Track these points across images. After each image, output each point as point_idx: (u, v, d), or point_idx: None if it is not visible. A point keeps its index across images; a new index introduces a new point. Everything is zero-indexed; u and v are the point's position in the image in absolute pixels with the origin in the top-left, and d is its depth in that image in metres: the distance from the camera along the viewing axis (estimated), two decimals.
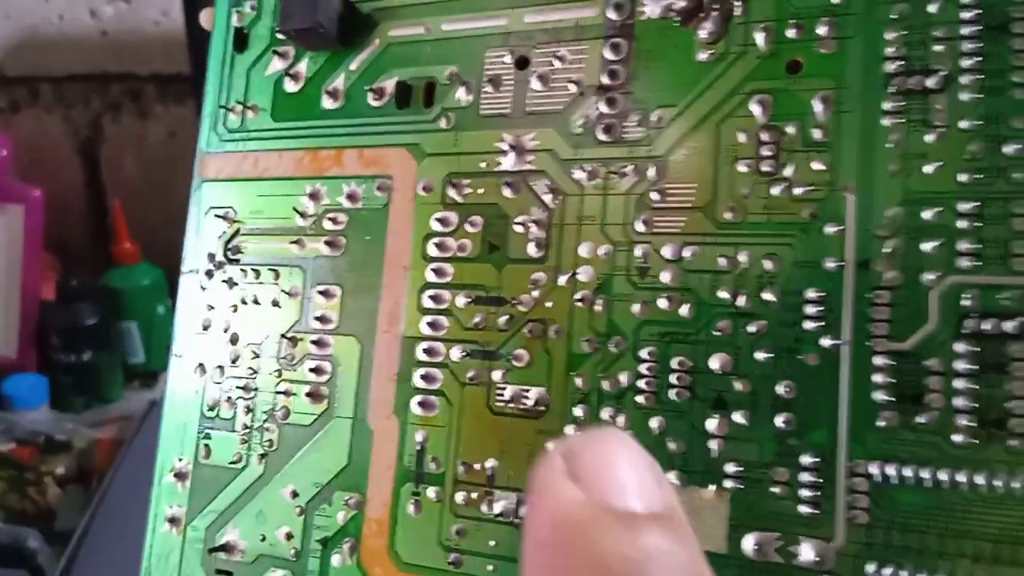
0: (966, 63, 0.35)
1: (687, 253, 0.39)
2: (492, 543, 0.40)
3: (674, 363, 0.38)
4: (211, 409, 0.47)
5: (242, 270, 0.48)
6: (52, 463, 1.28)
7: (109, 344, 1.46)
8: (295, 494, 0.44)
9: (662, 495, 0.21)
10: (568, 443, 0.22)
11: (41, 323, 1.45)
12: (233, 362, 0.47)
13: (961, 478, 0.33)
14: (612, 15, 0.42)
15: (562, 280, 0.41)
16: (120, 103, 1.62)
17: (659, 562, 0.18)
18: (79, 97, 1.62)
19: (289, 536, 0.44)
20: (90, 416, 1.42)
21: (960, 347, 0.34)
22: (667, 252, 0.39)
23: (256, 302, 0.47)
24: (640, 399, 0.38)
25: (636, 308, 0.39)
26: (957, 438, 0.33)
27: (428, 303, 0.43)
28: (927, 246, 0.35)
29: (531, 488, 0.21)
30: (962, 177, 0.35)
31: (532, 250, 0.41)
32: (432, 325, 0.43)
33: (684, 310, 0.38)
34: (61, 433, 1.33)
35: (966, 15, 0.36)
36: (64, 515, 1.20)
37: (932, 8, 0.36)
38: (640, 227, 0.40)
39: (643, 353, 0.39)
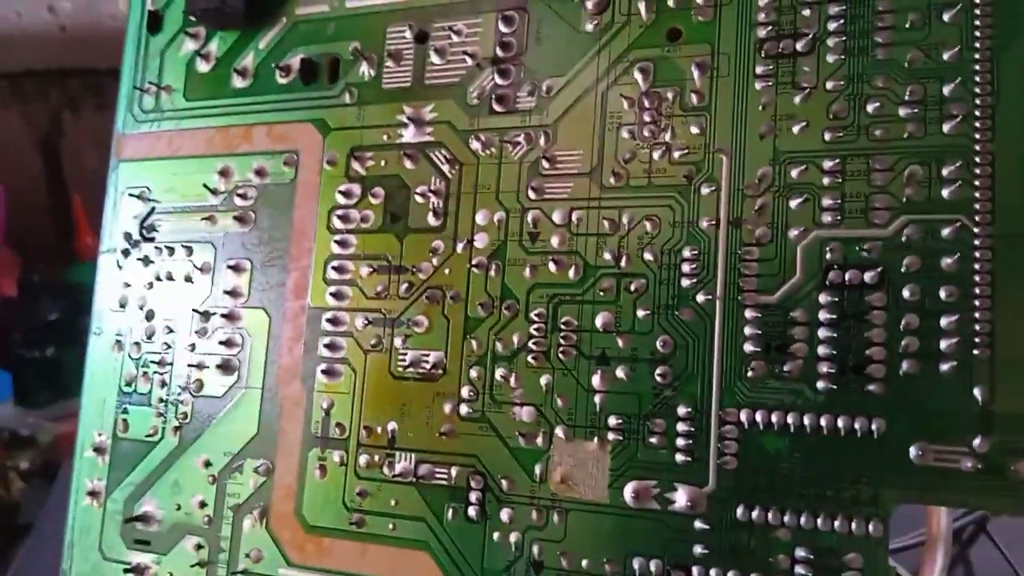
0: (832, 25, 0.37)
1: (575, 217, 0.40)
2: (393, 502, 0.41)
3: (562, 323, 0.39)
4: (128, 384, 0.48)
5: (157, 248, 0.49)
6: (16, 458, 1.28)
7: (72, 339, 1.47)
8: (208, 463, 0.45)
9: None
10: None
11: (4, 319, 1.45)
12: (149, 337, 0.48)
13: (823, 422, 0.34)
14: None
15: (459, 247, 0.42)
16: (80, 98, 1.62)
17: None
18: (38, 92, 1.62)
19: (203, 504, 0.45)
20: (54, 411, 1.42)
21: (823, 298, 0.35)
22: (556, 217, 0.40)
23: (170, 278, 0.48)
24: (530, 359, 0.40)
25: (527, 272, 0.40)
26: (820, 384, 0.34)
27: (332, 274, 0.45)
28: (793, 203, 0.36)
29: None
30: (827, 136, 0.36)
31: (431, 219, 0.43)
32: (336, 295, 0.44)
33: (571, 272, 0.39)
34: (25, 428, 1.33)
35: None
36: (28, 509, 1.20)
37: None
38: (531, 194, 0.41)
39: (534, 314, 0.40)
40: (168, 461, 0.46)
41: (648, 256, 0.38)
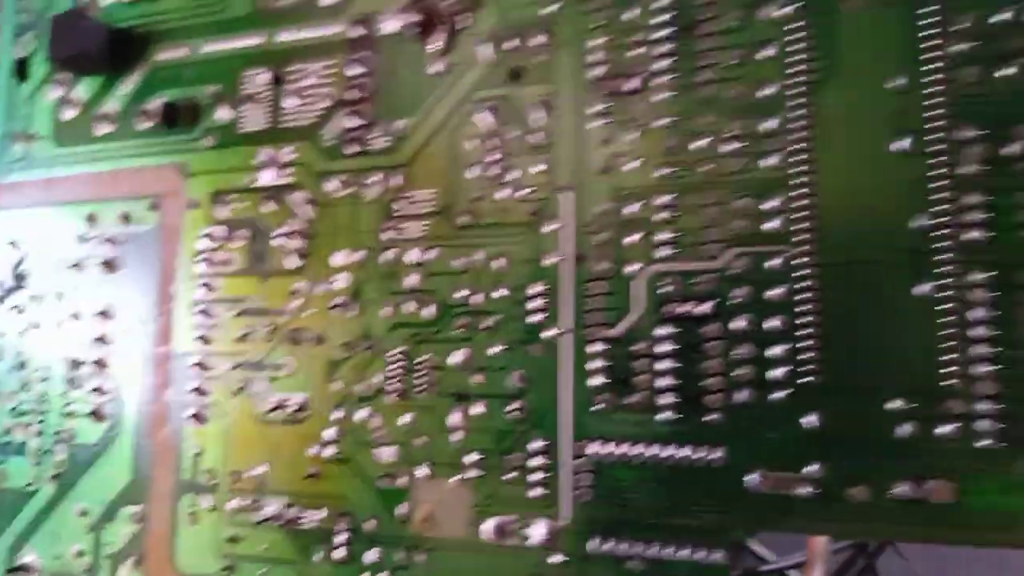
0: (661, 64, 0.38)
1: (430, 256, 0.41)
2: (263, 547, 0.42)
3: (421, 362, 0.40)
4: (5, 435, 0.48)
5: (30, 296, 0.49)
6: None
7: None
8: (84, 512, 0.46)
9: None
10: None
11: None
12: (23, 387, 0.48)
13: (667, 453, 0.35)
14: (355, 32, 0.44)
15: (319, 289, 0.42)
16: None
17: None
18: None
19: (80, 553, 0.46)
20: None
21: (662, 331, 0.36)
22: (412, 256, 0.41)
23: (43, 327, 0.48)
24: (391, 399, 0.40)
25: (386, 312, 0.41)
26: (662, 416, 0.36)
27: (198, 318, 0.45)
28: (631, 239, 0.37)
29: None
30: (660, 172, 0.37)
31: (292, 261, 0.43)
32: (202, 340, 0.45)
33: (428, 311, 0.40)
34: None
35: (659, 19, 0.38)
36: None
37: (629, 15, 0.39)
38: (388, 234, 0.42)
39: (393, 354, 0.41)
40: (46, 511, 0.47)
41: (500, 293, 0.39)
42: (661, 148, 0.37)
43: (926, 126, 0.35)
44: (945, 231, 0.33)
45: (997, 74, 0.32)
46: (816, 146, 0.35)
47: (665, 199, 0.37)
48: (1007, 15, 0.33)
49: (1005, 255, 0.33)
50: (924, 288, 0.33)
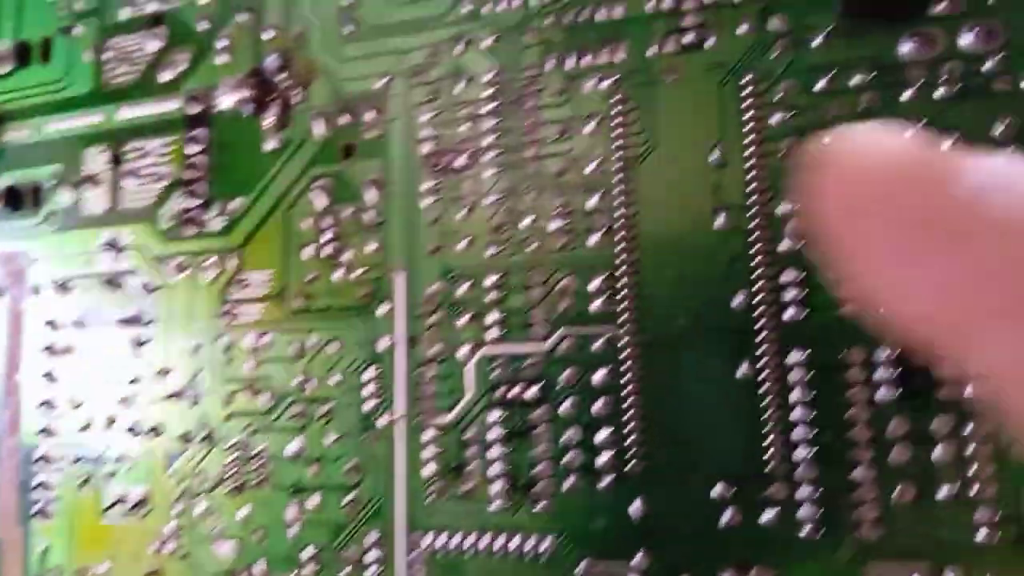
0: (487, 140, 0.36)
1: (264, 341, 0.39)
2: None
3: (256, 453, 0.39)
4: None
5: None
6: None
7: None
8: None
9: None
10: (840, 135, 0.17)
11: None
12: None
13: (499, 543, 0.34)
14: (191, 109, 0.42)
15: (159, 379, 0.41)
16: None
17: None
18: None
19: None
20: None
21: (492, 416, 0.35)
22: (247, 342, 0.39)
23: None
24: (229, 492, 0.39)
25: (221, 401, 0.39)
26: (494, 505, 0.34)
27: (43, 409, 0.43)
28: (462, 320, 0.36)
29: (825, 157, 0.17)
30: (489, 251, 0.36)
31: (130, 349, 0.41)
32: (47, 431, 0.43)
33: (263, 400, 0.39)
34: None
35: (486, 92, 0.37)
36: None
37: (457, 89, 0.37)
38: (224, 319, 0.40)
39: (229, 445, 0.39)
40: None
41: (333, 380, 0.37)
42: (489, 226, 0.35)
43: (747, 201, 0.35)
44: (764, 309, 0.31)
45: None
46: (639, 222, 0.34)
47: (493, 279, 0.35)
48: (823, 83, 0.34)
49: (823, 334, 0.33)
50: (744, 369, 0.31)
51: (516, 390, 0.35)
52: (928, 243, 0.16)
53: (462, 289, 0.36)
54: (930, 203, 0.16)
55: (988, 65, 0.30)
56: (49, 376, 0.44)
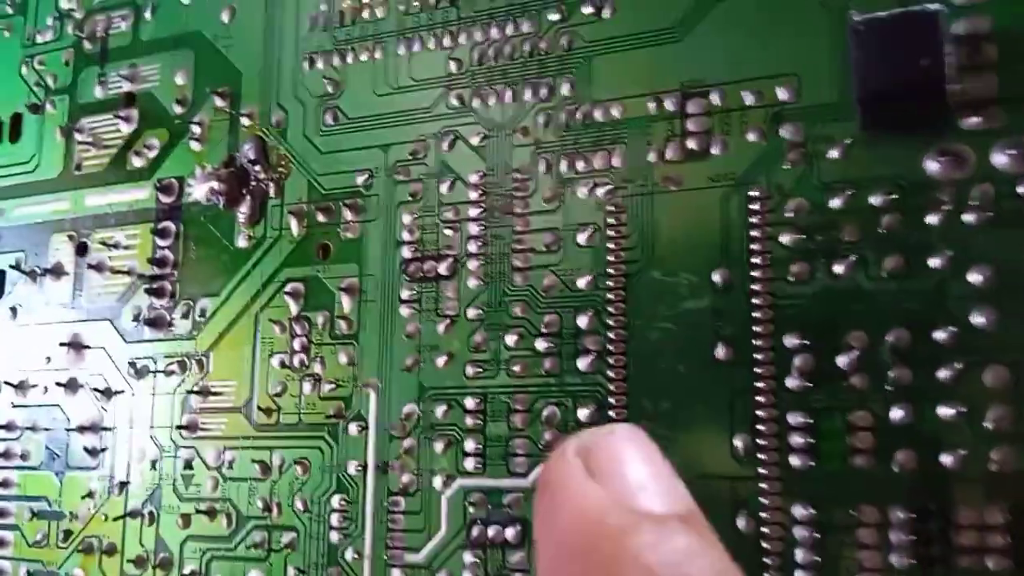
0: (472, 247, 0.33)
1: (227, 457, 0.36)
2: None
3: None
4: None
5: None
6: None
7: None
8: None
9: (680, 493, 0.20)
10: (581, 440, 0.20)
11: None
12: None
13: None
14: (162, 198, 0.39)
15: (114, 492, 0.37)
16: None
17: (694, 563, 0.17)
18: None
19: None
20: None
21: (467, 558, 0.31)
22: (209, 457, 0.36)
23: None
24: None
25: (180, 521, 0.36)
26: None
27: None
28: (438, 446, 0.32)
29: (546, 485, 0.20)
30: (468, 370, 0.32)
31: (86, 458, 0.38)
32: None
33: (223, 523, 0.35)
34: None
35: (473, 195, 0.33)
36: None
37: (443, 188, 0.33)
38: (184, 432, 0.36)
39: (187, 570, 0.35)
40: None
41: (299, 504, 0.33)
42: (470, 343, 0.31)
43: (751, 331, 0.31)
44: (767, 456, 0.28)
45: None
46: (633, 347, 0.30)
47: (472, 403, 0.31)
48: (839, 200, 0.30)
49: (829, 487, 0.29)
50: (744, 523, 0.30)
51: (492, 531, 0.30)
52: None
53: (439, 411, 0.32)
54: None
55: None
56: (4, 483, 0.40)
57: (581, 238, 0.32)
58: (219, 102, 0.38)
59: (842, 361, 0.27)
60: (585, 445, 0.20)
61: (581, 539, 0.18)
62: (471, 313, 0.33)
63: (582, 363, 0.31)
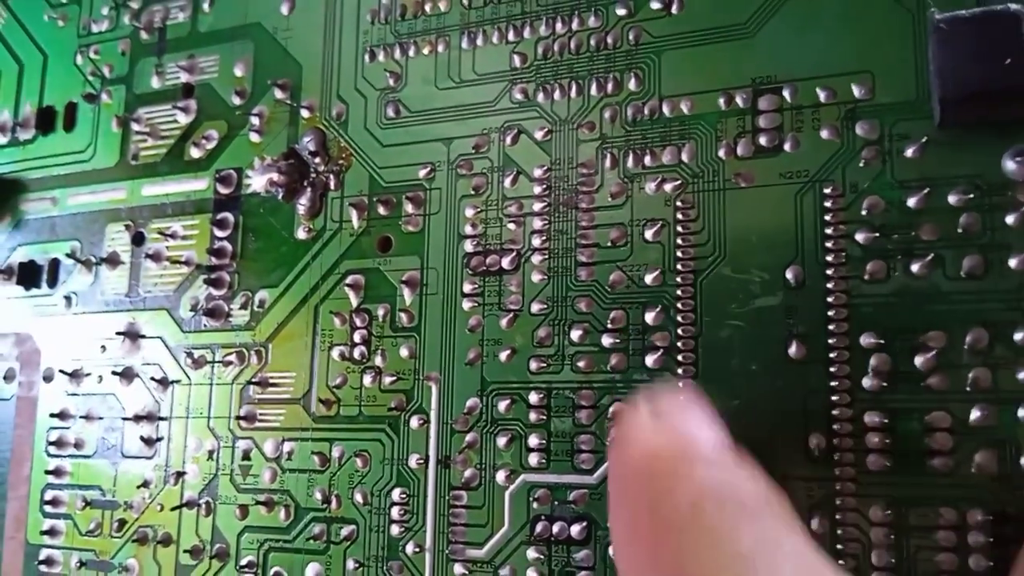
0: (536, 241, 0.32)
1: (286, 449, 0.35)
2: None
3: (272, 573, 0.35)
4: None
5: None
6: None
7: None
8: None
9: (729, 444, 0.24)
10: (654, 400, 0.25)
11: None
12: None
13: None
14: (221, 188, 0.39)
15: (170, 482, 0.37)
16: None
17: (747, 486, 0.22)
18: None
19: None
20: None
21: (531, 554, 0.31)
22: (268, 449, 0.36)
23: None
24: None
25: (237, 512, 0.36)
26: None
27: (48, 507, 0.40)
28: (501, 441, 0.32)
29: (618, 429, 0.26)
30: (532, 365, 0.32)
31: (142, 447, 0.38)
32: (51, 532, 0.40)
33: (281, 515, 0.35)
34: None
35: (537, 189, 0.33)
36: None
37: (506, 182, 0.33)
38: (243, 422, 0.36)
39: (244, 561, 0.35)
40: None
41: (358, 497, 0.33)
42: (534, 337, 0.31)
43: (826, 329, 0.31)
44: (842, 455, 0.29)
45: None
46: (702, 344, 0.30)
47: (536, 397, 0.31)
48: (915, 199, 0.30)
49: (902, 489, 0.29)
50: (815, 523, 0.29)
51: (557, 527, 0.30)
52: (638, 544, 0.23)
53: (502, 406, 0.32)
54: (656, 510, 0.22)
55: None
56: (56, 472, 0.39)
57: (648, 234, 0.31)
58: (279, 94, 0.38)
59: (919, 361, 0.27)
60: (657, 405, 0.25)
61: (649, 463, 0.23)
62: (535, 308, 0.32)
63: (650, 359, 0.31)
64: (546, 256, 0.33)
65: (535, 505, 0.32)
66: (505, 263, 0.33)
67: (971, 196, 0.27)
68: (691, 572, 0.20)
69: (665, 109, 0.32)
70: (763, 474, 0.23)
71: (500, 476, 0.32)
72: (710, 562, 0.20)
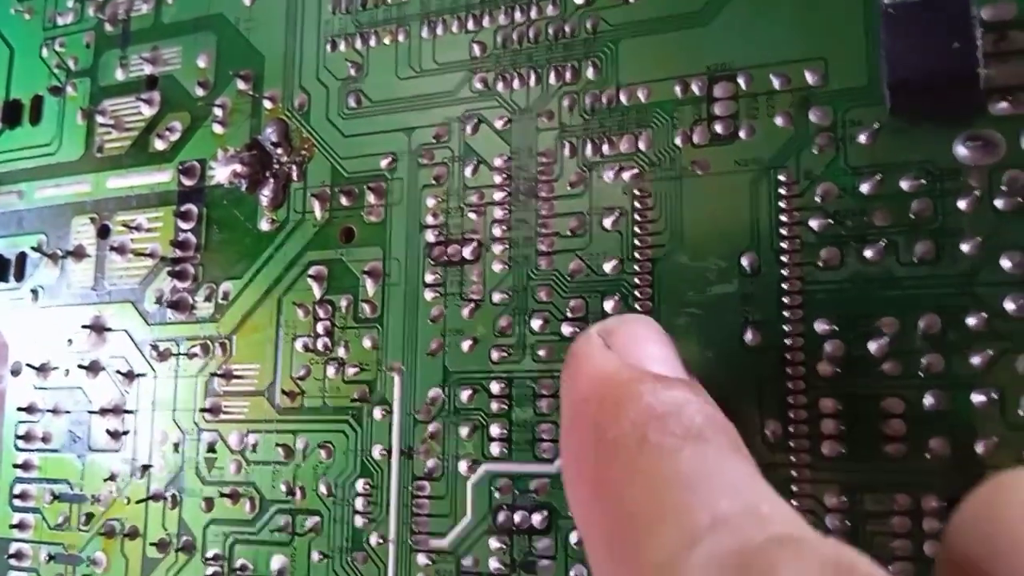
0: (496, 231, 0.32)
1: (250, 441, 0.36)
2: None
3: (238, 566, 0.35)
4: None
5: None
6: None
7: None
8: None
9: (684, 371, 0.24)
10: (603, 323, 0.25)
11: None
12: None
13: None
14: (184, 180, 0.39)
15: (136, 475, 0.37)
16: None
17: (693, 406, 0.21)
18: None
19: None
20: None
21: (493, 543, 0.31)
22: (232, 441, 0.36)
23: None
24: None
25: (203, 505, 0.36)
26: None
27: (17, 501, 0.40)
28: (464, 431, 0.32)
29: (570, 357, 0.24)
30: (494, 355, 0.32)
31: (109, 441, 0.38)
32: (20, 526, 0.40)
33: (247, 507, 0.35)
34: None
35: (497, 179, 0.33)
36: None
37: (467, 172, 0.33)
38: (208, 415, 0.36)
39: (210, 554, 0.35)
40: None
41: (322, 488, 0.33)
42: (495, 327, 0.31)
43: (780, 316, 0.31)
44: (797, 443, 0.30)
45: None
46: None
47: (497, 387, 0.31)
48: (868, 185, 0.30)
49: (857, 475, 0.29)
50: None
51: (519, 516, 0.30)
52: (581, 483, 0.22)
53: (464, 396, 0.32)
54: (601, 437, 0.21)
55: None
56: (25, 466, 0.40)
57: (607, 222, 0.31)
58: (241, 85, 0.38)
59: (873, 347, 0.27)
60: (607, 327, 0.24)
61: (597, 388, 0.22)
62: (496, 297, 0.32)
63: None
64: (507, 246, 0.33)
65: (497, 495, 0.32)
66: (466, 253, 0.33)
67: (923, 182, 0.28)
68: (630, 495, 0.19)
69: (623, 97, 0.32)
70: (713, 401, 0.22)
71: (462, 466, 0.32)
72: (649, 481, 0.19)
